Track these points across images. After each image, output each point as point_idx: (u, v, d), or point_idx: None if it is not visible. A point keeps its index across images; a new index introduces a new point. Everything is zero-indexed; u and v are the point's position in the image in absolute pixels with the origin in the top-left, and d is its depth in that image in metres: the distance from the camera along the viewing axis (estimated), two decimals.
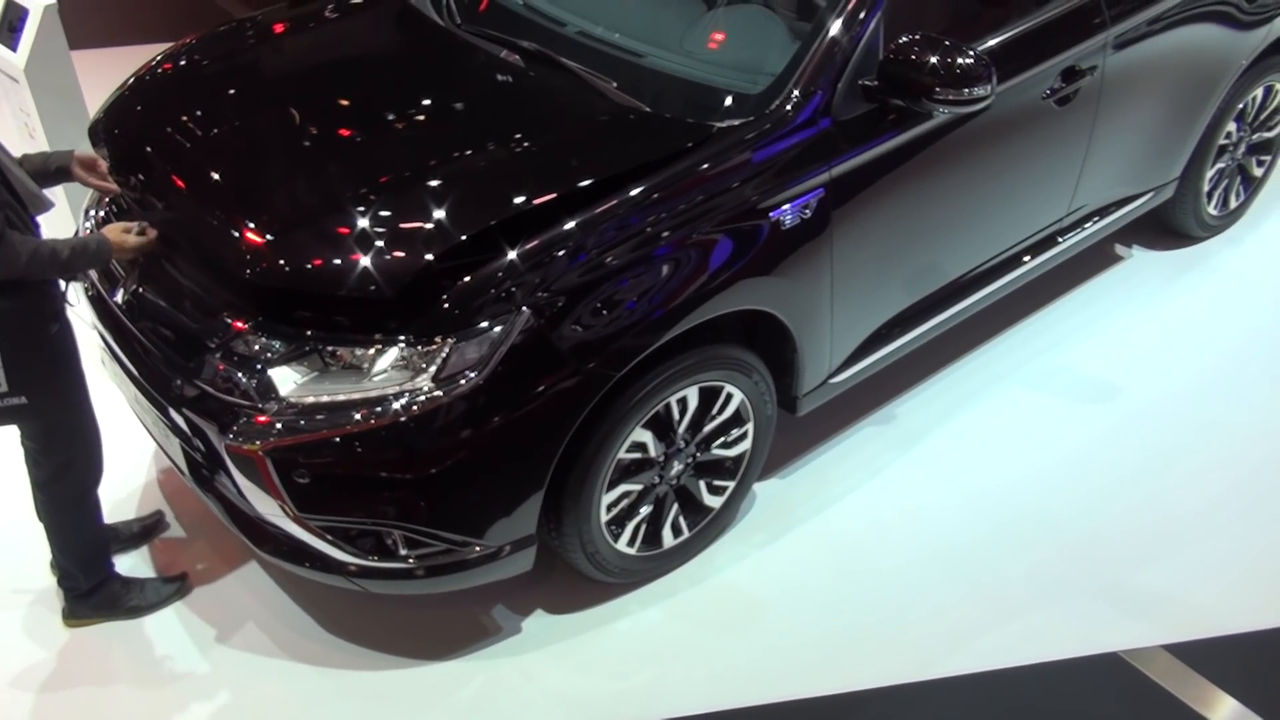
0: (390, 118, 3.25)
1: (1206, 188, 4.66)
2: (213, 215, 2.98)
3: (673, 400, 3.16)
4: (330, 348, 2.83)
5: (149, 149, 3.25)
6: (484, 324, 2.78)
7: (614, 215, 2.90)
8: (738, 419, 3.38)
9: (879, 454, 3.87)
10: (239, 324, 2.88)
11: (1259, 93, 4.58)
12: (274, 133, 3.25)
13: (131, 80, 3.64)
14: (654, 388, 3.06)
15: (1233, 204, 4.87)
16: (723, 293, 3.07)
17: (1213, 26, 4.18)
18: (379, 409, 2.76)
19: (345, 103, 3.34)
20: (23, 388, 2.83)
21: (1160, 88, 4.12)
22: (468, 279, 2.81)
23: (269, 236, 2.86)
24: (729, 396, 3.31)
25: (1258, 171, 4.89)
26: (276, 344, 2.85)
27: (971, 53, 3.12)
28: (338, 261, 2.79)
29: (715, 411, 3.31)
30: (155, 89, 3.56)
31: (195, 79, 3.59)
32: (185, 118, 3.31)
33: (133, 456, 3.87)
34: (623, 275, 2.90)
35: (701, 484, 3.43)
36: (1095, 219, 4.25)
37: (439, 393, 2.76)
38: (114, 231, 2.94)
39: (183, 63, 3.66)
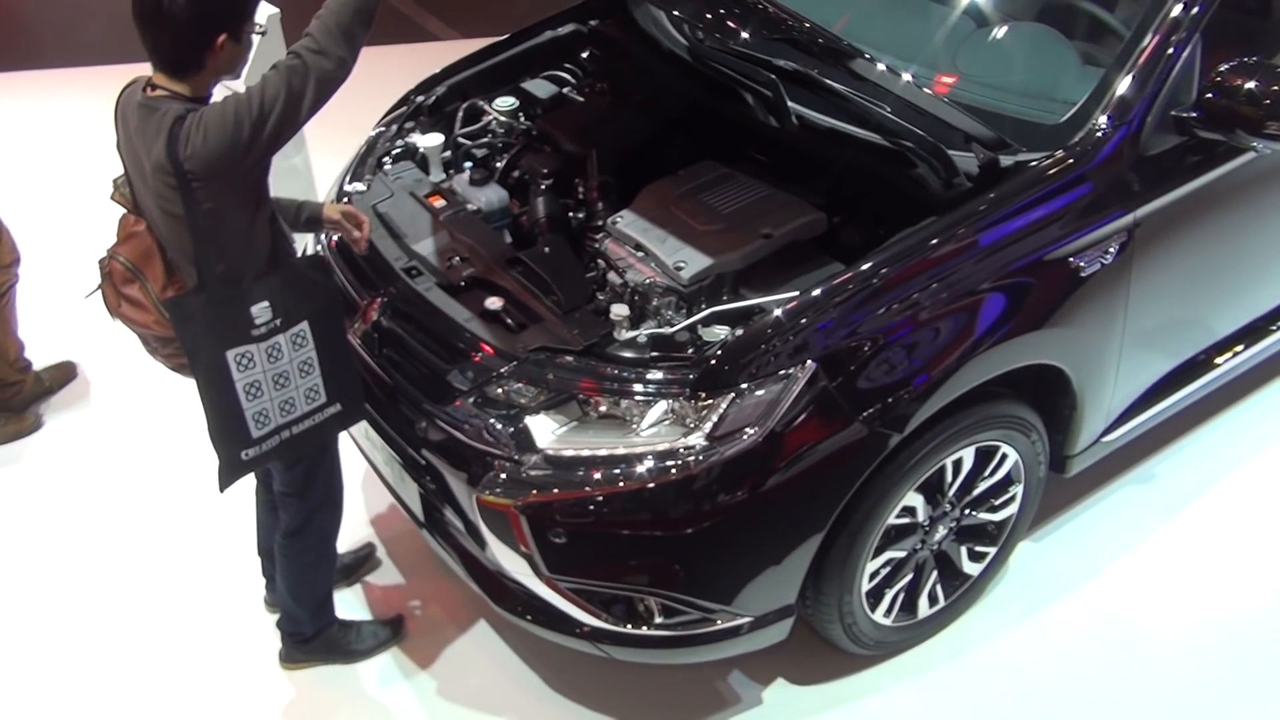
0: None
1: None
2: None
3: (948, 462, 2.86)
4: (591, 397, 2.60)
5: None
6: (764, 379, 2.51)
7: (901, 264, 2.61)
8: (1007, 481, 3.06)
9: (1143, 519, 3.50)
10: (493, 364, 2.67)
11: None
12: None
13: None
14: (932, 449, 2.77)
15: None
16: (1013, 347, 2.76)
17: None
18: (648, 466, 2.51)
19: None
20: (339, 394, 2.67)
21: None
22: (741, 332, 2.56)
23: None
24: (1003, 457, 2.99)
25: None
26: (533, 389, 2.63)
27: None
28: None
29: (988, 473, 3.00)
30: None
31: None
32: None
33: None
34: (909, 330, 2.61)
35: (963, 549, 3.11)
36: None
37: (715, 451, 2.50)
38: (333, 207, 2.82)
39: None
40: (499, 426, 2.63)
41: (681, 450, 2.52)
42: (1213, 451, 3.71)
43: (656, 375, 2.57)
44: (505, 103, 3.56)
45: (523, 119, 3.56)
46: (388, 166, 3.38)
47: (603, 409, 2.61)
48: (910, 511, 2.88)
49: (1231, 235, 3.14)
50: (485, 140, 3.48)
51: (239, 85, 4.01)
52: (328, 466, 2.86)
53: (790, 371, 2.52)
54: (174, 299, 2.47)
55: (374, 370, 2.91)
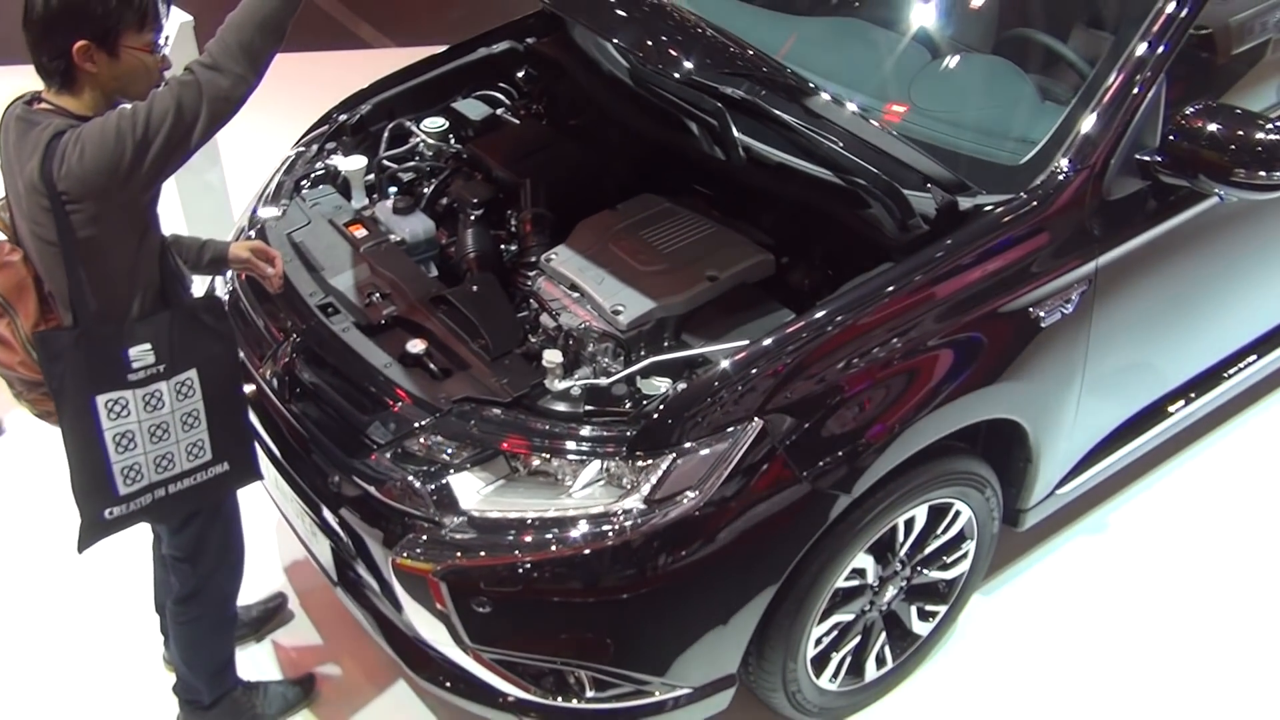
0: None
1: None
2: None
3: (900, 521, 2.69)
4: (520, 454, 2.39)
5: None
6: (707, 437, 2.33)
7: (855, 313, 2.44)
8: (960, 538, 2.91)
9: (1096, 573, 3.37)
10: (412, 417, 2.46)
11: None
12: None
13: None
14: (884, 509, 2.60)
15: None
16: (970, 401, 2.61)
17: None
18: (581, 530, 2.31)
19: None
20: (227, 452, 2.43)
21: None
22: (684, 386, 2.38)
23: None
24: (956, 514, 2.84)
25: None
26: (457, 444, 2.42)
27: (1274, 126, 2.63)
28: None
29: (940, 530, 2.84)
30: None
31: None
32: None
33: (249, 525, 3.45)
34: (863, 384, 2.44)
35: (912, 609, 2.95)
36: None
37: (653, 515, 2.31)
38: (242, 245, 2.59)
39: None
40: (418, 484, 2.41)
41: (618, 514, 2.32)
42: (1163, 499, 3.59)
43: (591, 432, 2.38)
44: (434, 124, 3.34)
45: (452, 142, 3.35)
46: (306, 190, 3.15)
47: (533, 465, 2.41)
48: (860, 573, 2.71)
49: (1190, 281, 3.02)
50: (412, 164, 3.27)
51: None
52: (222, 528, 2.61)
53: (736, 429, 2.34)
54: (43, 333, 2.23)
55: (284, 417, 2.67)
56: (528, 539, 2.33)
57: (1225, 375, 3.42)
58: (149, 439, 2.31)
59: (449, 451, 2.43)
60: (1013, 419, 2.76)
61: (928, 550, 2.85)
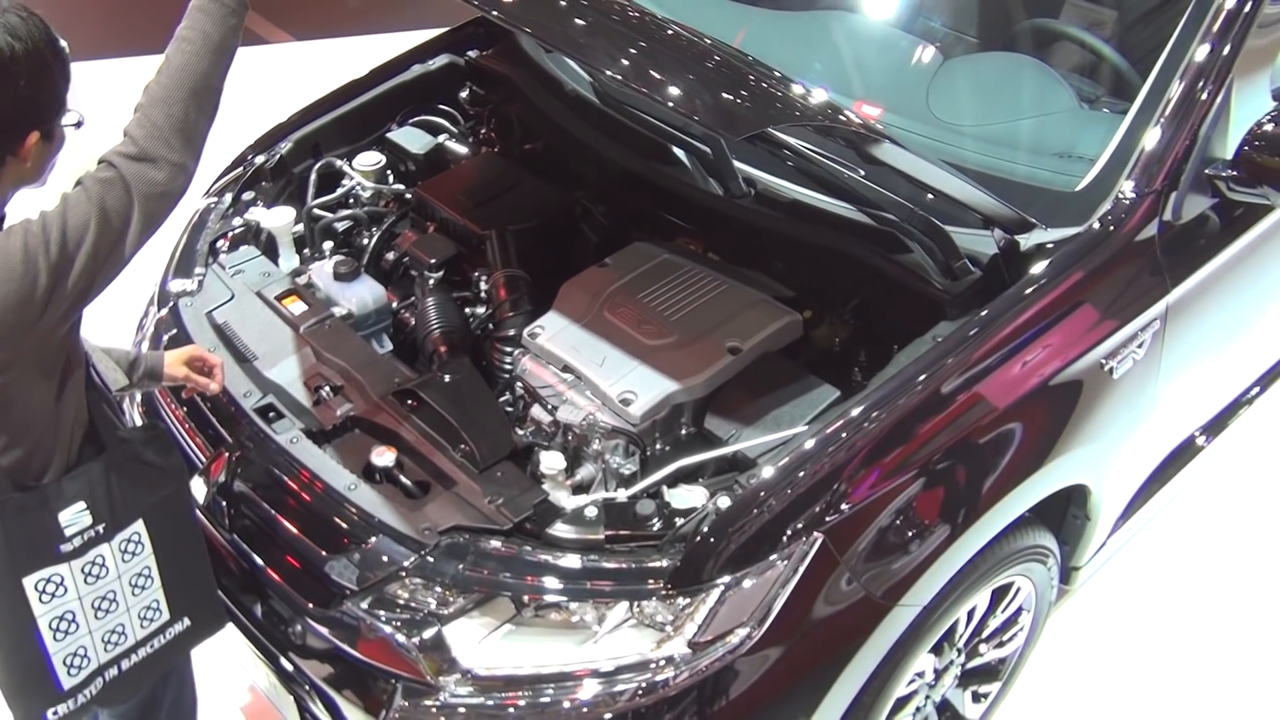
0: None
1: None
2: None
3: (963, 613, 2.32)
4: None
5: None
6: (758, 563, 1.91)
7: (909, 396, 2.04)
8: (1018, 613, 2.55)
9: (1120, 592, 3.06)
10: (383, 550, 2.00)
11: None
12: None
13: None
14: (950, 605, 2.22)
15: None
16: (1042, 477, 2.24)
17: None
18: (618, 686, 1.89)
19: None
20: (189, 605, 1.99)
21: None
22: (726, 501, 1.95)
23: None
24: (1017, 590, 2.48)
25: None
26: (448, 585, 1.97)
27: None
28: None
29: (1000, 610, 2.48)
30: None
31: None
32: None
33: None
34: (926, 478, 2.05)
35: (966, 694, 2.60)
36: None
37: (702, 660, 1.90)
38: (177, 358, 2.11)
39: None
40: (402, 638, 1.96)
41: (659, 662, 1.90)
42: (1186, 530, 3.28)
43: (616, 564, 1.94)
44: (369, 160, 2.85)
45: (392, 180, 2.86)
46: (223, 255, 2.63)
47: (546, 606, 1.97)
48: (919, 675, 2.34)
49: (1255, 300, 2.69)
50: (348, 212, 2.77)
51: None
52: (176, 684, 2.16)
53: (791, 547, 1.93)
54: None
55: (226, 551, 2.19)
56: (546, 699, 1.90)
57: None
58: (93, 615, 1.85)
59: (440, 595, 1.97)
60: (1083, 484, 2.40)
61: (986, 633, 2.49)
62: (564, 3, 2.05)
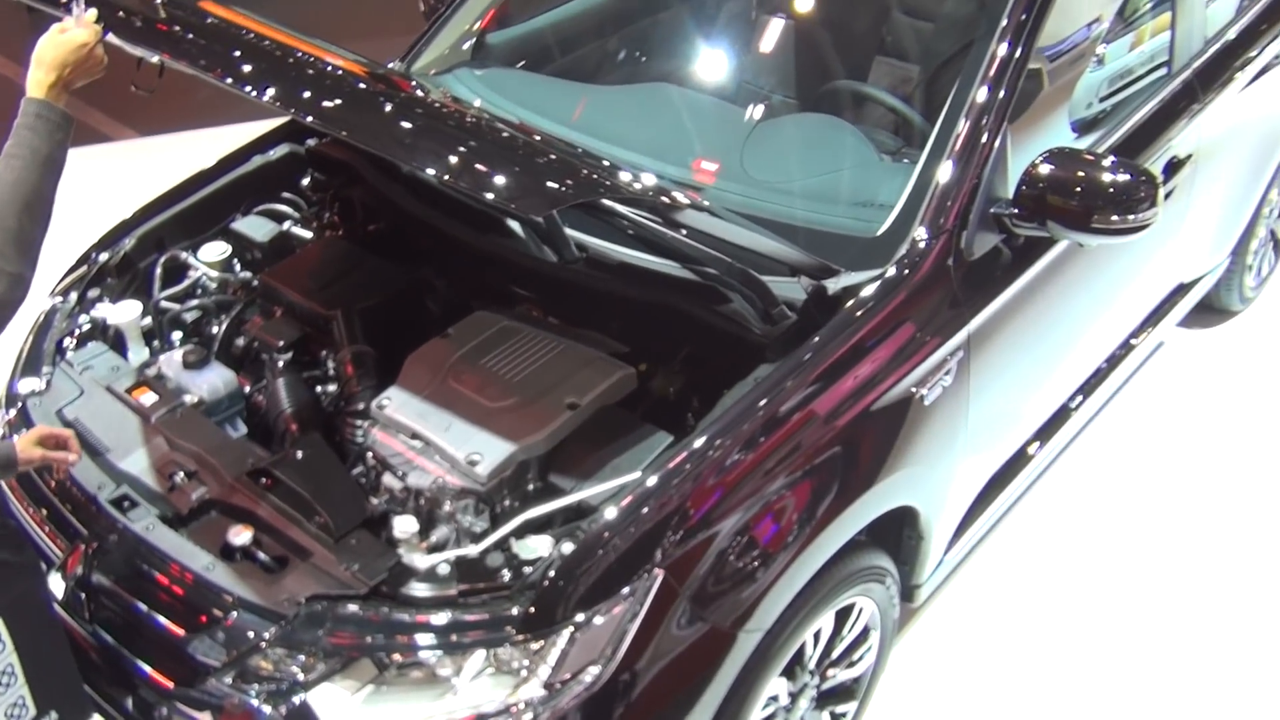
0: None
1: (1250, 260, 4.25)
2: None
3: (809, 636, 2.47)
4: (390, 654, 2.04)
5: None
6: (605, 601, 2.03)
7: (738, 433, 2.20)
8: (864, 632, 2.72)
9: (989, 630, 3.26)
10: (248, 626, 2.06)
11: None
12: None
13: None
14: (794, 628, 2.37)
15: (1264, 272, 4.48)
16: (869, 500, 2.42)
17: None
18: None
19: None
20: (53, 699, 2.01)
21: (1232, 163, 3.67)
22: (569, 546, 2.07)
23: None
24: (860, 611, 2.64)
25: None
26: (310, 655, 2.04)
27: (1127, 168, 2.54)
28: None
29: (846, 630, 2.64)
30: None
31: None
32: None
33: None
34: (761, 509, 2.21)
35: (824, 715, 2.74)
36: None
37: (559, 699, 2.00)
38: (29, 442, 2.08)
39: None
40: (268, 709, 2.02)
41: (518, 705, 2.00)
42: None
43: (470, 616, 2.04)
44: (214, 251, 2.92)
45: (239, 269, 2.94)
46: (70, 353, 2.67)
47: (404, 663, 2.05)
48: (773, 699, 2.48)
49: (1053, 320, 2.93)
50: (195, 302, 2.83)
51: None
52: None
53: (635, 584, 2.05)
54: None
55: (86, 642, 2.22)
56: None
57: (1074, 406, 3.36)
58: None
59: (303, 663, 2.04)
60: (908, 504, 2.59)
61: (835, 654, 2.64)
62: (386, 106, 2.18)
